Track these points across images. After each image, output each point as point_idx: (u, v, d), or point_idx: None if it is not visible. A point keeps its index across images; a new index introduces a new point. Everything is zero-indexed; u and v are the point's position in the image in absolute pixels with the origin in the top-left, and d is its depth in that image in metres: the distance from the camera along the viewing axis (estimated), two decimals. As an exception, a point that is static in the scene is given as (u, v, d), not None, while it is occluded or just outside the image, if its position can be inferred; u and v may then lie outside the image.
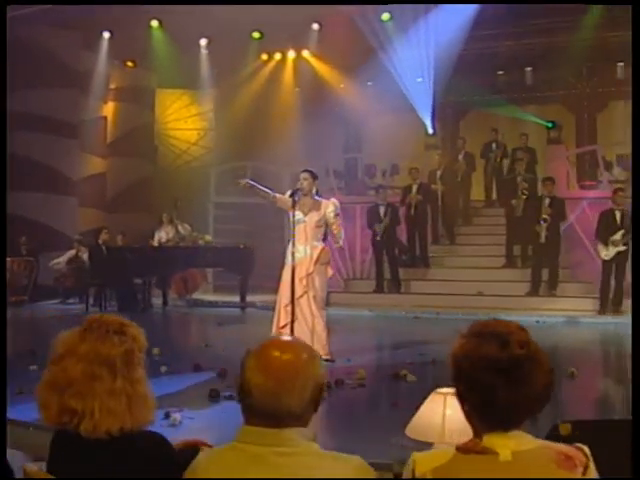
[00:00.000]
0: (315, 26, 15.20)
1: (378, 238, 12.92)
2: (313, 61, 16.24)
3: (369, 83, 15.18)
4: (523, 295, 12.11)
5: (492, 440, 1.74)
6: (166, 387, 5.61)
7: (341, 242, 7.17)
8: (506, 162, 14.38)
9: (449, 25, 13.54)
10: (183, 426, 4.71)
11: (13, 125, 13.25)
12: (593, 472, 1.76)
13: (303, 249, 6.96)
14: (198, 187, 16.54)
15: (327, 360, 6.57)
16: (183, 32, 14.59)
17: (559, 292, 12.02)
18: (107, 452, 2.03)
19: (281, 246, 14.10)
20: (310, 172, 7.18)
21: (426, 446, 2.82)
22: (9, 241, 13.37)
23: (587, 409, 5.85)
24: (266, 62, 16.85)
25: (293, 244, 6.88)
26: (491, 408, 1.74)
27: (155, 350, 6.76)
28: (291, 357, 1.79)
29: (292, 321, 6.60)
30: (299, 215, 6.96)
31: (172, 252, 13.52)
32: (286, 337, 1.95)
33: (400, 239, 13.42)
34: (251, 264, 13.45)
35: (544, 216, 11.78)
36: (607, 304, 11.27)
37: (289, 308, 6.69)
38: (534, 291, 12.13)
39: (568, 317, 11.06)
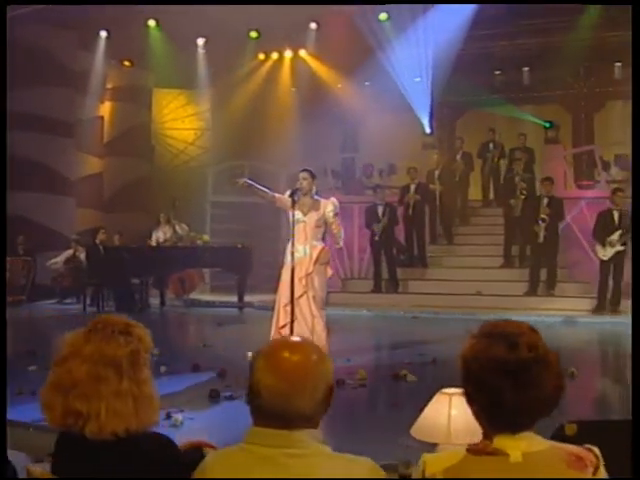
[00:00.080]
0: (313, 26, 15.20)
1: (376, 238, 12.91)
2: (310, 61, 16.23)
3: (366, 83, 15.18)
4: (521, 295, 12.13)
5: (502, 441, 1.73)
6: (166, 387, 5.58)
7: (341, 242, 7.14)
8: (504, 162, 14.40)
9: (447, 25, 13.54)
10: (184, 427, 4.70)
11: (10, 124, 13.21)
12: (603, 473, 1.75)
13: (302, 249, 6.94)
14: (195, 187, 16.54)
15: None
16: (180, 32, 14.59)
17: (557, 292, 12.03)
18: (112, 453, 2.01)
19: (278, 246, 14.20)
20: (309, 172, 7.16)
21: (431, 447, 2.81)
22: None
23: (587, 409, 5.85)
24: (263, 62, 16.85)
25: (292, 244, 6.86)
26: (499, 410, 1.74)
27: (154, 350, 6.72)
28: (301, 358, 1.77)
29: (292, 321, 6.59)
30: (298, 215, 6.94)
31: (170, 252, 13.50)
32: (295, 338, 1.93)
33: (398, 239, 13.42)
34: (249, 264, 13.44)
35: (542, 216, 11.79)
36: (605, 304, 11.29)
37: (288, 308, 6.67)
38: (532, 291, 12.14)
39: (566, 317, 11.07)
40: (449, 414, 2.81)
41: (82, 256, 13.51)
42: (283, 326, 6.81)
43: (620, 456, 2.11)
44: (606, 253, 11.19)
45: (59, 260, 13.96)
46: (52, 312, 12.96)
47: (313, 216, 7.02)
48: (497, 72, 15.61)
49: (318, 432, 1.79)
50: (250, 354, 7.17)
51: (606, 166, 14.22)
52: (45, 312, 12.98)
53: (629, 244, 10.74)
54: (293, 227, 6.87)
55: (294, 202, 6.80)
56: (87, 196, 15.56)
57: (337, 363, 7.03)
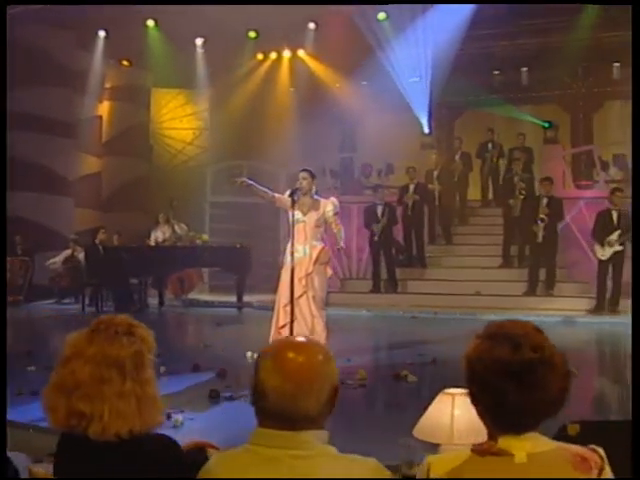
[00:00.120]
0: (311, 25, 15.19)
1: (376, 238, 12.91)
2: (309, 60, 16.22)
3: (364, 83, 15.17)
4: (520, 295, 12.13)
5: (507, 442, 1.73)
6: (166, 388, 5.53)
7: (342, 243, 7.14)
8: (502, 162, 14.41)
9: (446, 25, 13.54)
10: (184, 427, 4.69)
11: (8, 124, 13.19)
12: (609, 474, 1.75)
13: (302, 249, 6.94)
14: (194, 186, 16.52)
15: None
16: (179, 31, 14.58)
17: (556, 292, 12.04)
18: (116, 455, 2.00)
19: (277, 246, 14.20)
20: (309, 171, 7.17)
21: (434, 447, 2.81)
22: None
23: (586, 409, 5.85)
24: (262, 61, 16.83)
25: (292, 244, 6.85)
26: (503, 410, 1.73)
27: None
28: (307, 358, 1.76)
29: (291, 321, 6.58)
30: (298, 215, 6.94)
31: (169, 252, 13.49)
32: (300, 338, 1.93)
33: (397, 239, 13.42)
34: (248, 264, 13.44)
35: (541, 216, 11.79)
36: (604, 304, 11.30)
37: (288, 308, 6.66)
38: (531, 291, 12.14)
39: (565, 317, 11.07)
40: (452, 414, 2.80)
41: (80, 256, 13.50)
42: (283, 326, 6.80)
43: (620, 456, 2.11)
44: (605, 253, 11.20)
45: (57, 260, 13.95)
46: (50, 312, 12.95)
47: (313, 216, 7.02)
48: (496, 72, 15.60)
49: (324, 433, 1.78)
50: (249, 354, 7.14)
51: (605, 166, 14.23)
52: (43, 312, 12.96)
53: (628, 244, 10.75)
54: (293, 227, 6.87)
55: (294, 202, 6.79)
56: (85, 196, 15.54)
57: (337, 363, 7.03)
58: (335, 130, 16.57)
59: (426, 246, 13.69)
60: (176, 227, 13.84)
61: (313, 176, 7.17)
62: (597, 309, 11.33)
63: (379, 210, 12.92)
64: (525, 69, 15.45)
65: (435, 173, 14.01)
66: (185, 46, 15.47)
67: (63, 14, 13.36)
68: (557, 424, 2.53)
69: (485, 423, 1.79)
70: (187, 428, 4.67)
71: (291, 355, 1.76)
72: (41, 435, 4.38)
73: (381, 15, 14.41)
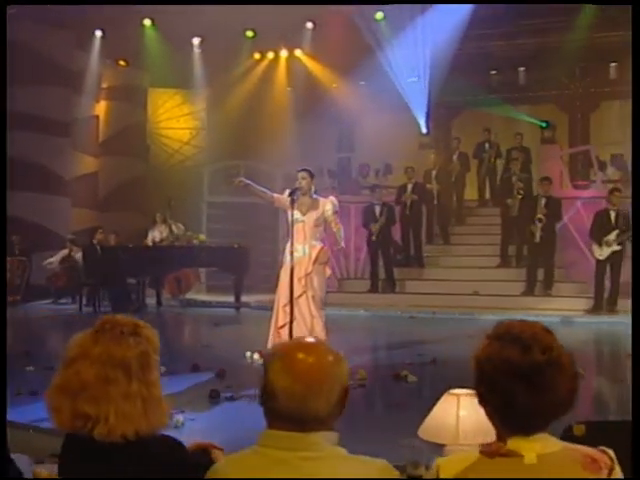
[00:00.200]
0: (309, 25, 15.18)
1: (373, 238, 12.91)
2: (306, 60, 16.22)
3: (362, 83, 15.17)
4: (518, 295, 12.14)
5: (517, 443, 1.72)
6: (166, 388, 5.54)
7: (342, 243, 7.13)
8: (500, 162, 14.42)
9: (443, 25, 13.56)
10: (185, 427, 4.68)
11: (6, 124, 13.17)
12: (619, 474, 1.75)
13: (302, 249, 6.92)
14: (191, 186, 16.51)
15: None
16: (176, 31, 14.56)
17: (554, 292, 12.05)
18: (122, 456, 1.99)
19: (274, 246, 14.19)
20: (308, 171, 7.16)
21: (439, 448, 2.80)
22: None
23: (585, 409, 5.85)
24: (259, 61, 16.82)
25: (292, 244, 6.83)
26: (512, 412, 1.73)
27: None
28: (317, 359, 1.75)
29: (291, 321, 6.55)
30: (297, 214, 6.92)
31: (166, 252, 13.46)
32: (310, 338, 1.92)
33: (395, 239, 13.42)
34: (246, 264, 13.41)
35: (539, 216, 11.80)
36: (602, 304, 11.31)
37: (288, 308, 6.64)
38: (529, 291, 12.16)
39: (563, 317, 11.06)
40: (457, 415, 2.79)
41: (77, 256, 13.46)
42: (282, 326, 6.79)
43: (620, 456, 2.11)
44: (603, 253, 11.21)
45: (54, 260, 13.91)
46: (47, 312, 12.92)
47: (312, 215, 7.01)
48: (493, 72, 15.63)
49: (333, 434, 1.77)
50: (248, 354, 7.13)
51: (602, 166, 14.24)
52: (40, 312, 12.93)
53: (626, 244, 10.77)
54: (292, 227, 6.85)
55: (293, 202, 6.78)
56: (82, 196, 15.51)
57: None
58: (333, 130, 16.57)
59: (424, 246, 13.70)
60: (173, 227, 13.80)
61: (312, 176, 7.16)
62: (595, 309, 11.35)
63: (377, 210, 12.91)
64: (523, 69, 15.48)
65: (433, 173, 14.01)
66: (182, 46, 15.45)
67: (60, 14, 13.34)
68: (562, 425, 2.53)
69: (494, 424, 1.79)
70: (188, 428, 4.65)
71: (301, 356, 1.75)
72: (41, 436, 4.36)
73: (378, 15, 14.42)
